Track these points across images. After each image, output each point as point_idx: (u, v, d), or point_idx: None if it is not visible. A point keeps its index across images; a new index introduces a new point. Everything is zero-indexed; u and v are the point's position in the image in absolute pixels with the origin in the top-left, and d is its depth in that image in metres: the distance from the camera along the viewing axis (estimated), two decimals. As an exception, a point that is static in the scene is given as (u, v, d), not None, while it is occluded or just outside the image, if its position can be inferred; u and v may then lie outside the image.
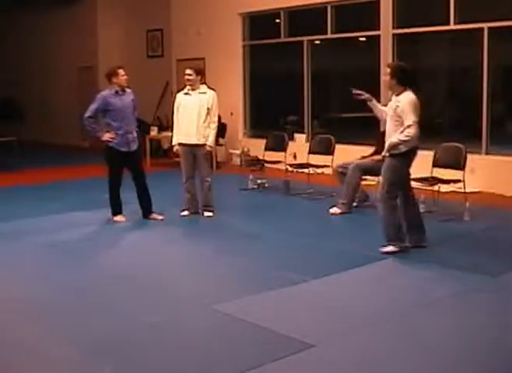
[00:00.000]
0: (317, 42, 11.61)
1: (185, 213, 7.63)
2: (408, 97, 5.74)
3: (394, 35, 10.12)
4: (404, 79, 5.82)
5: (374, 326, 4.23)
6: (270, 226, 7.17)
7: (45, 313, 4.59)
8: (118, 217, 7.36)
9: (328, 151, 8.79)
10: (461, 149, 7.48)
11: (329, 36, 11.15)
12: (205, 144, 7.42)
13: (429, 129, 9.89)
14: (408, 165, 6.00)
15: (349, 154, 8.56)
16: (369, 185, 8.17)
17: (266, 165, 9.64)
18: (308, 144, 9.69)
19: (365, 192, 8.00)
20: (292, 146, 9.99)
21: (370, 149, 8.32)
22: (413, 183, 7.73)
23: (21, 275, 5.52)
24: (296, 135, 11.53)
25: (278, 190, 9.17)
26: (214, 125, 7.48)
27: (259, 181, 9.45)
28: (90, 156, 11.65)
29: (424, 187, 7.82)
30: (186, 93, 7.51)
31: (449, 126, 10.30)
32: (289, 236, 6.66)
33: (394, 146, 5.80)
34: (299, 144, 10.94)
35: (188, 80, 7.40)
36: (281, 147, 9.47)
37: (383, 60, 10.22)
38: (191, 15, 13.23)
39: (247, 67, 12.74)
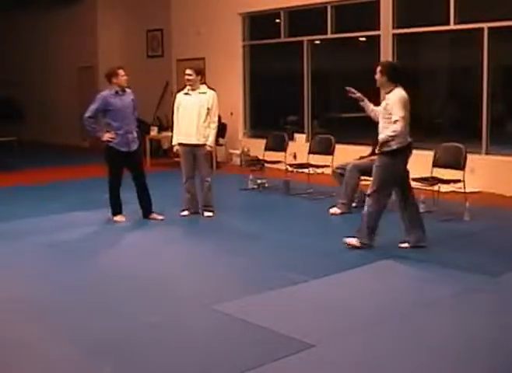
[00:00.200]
0: (317, 42, 11.61)
1: (185, 213, 7.63)
2: (397, 94, 5.82)
3: (394, 35, 10.12)
4: (394, 77, 5.89)
5: (374, 326, 4.23)
6: (270, 226, 7.17)
7: (45, 313, 4.59)
8: (118, 217, 7.36)
9: (328, 151, 8.79)
10: (461, 149, 7.48)
11: (329, 36, 11.15)
12: (205, 144, 7.42)
13: (429, 129, 9.95)
14: (402, 163, 6.00)
15: (349, 154, 8.56)
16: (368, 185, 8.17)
17: (266, 165, 9.64)
18: (308, 144, 9.69)
19: (364, 192, 7.99)
20: (292, 146, 9.99)
21: (370, 149, 8.33)
22: (413, 183, 7.74)
23: (21, 275, 5.52)
24: (296, 135, 11.53)
25: (278, 190, 9.17)
26: (214, 125, 7.48)
27: (259, 181, 9.45)
28: (90, 156, 11.66)
29: (424, 187, 7.82)
30: (186, 93, 7.51)
31: (449, 126, 10.30)
32: (289, 236, 6.66)
33: (383, 143, 5.84)
34: (299, 144, 10.94)
35: (188, 80, 7.40)
36: (281, 147, 9.47)
37: (383, 60, 10.21)
38: (191, 15, 13.23)
39: (247, 67, 12.74)
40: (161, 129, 12.74)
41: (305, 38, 11.54)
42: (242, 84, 12.75)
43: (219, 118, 8.19)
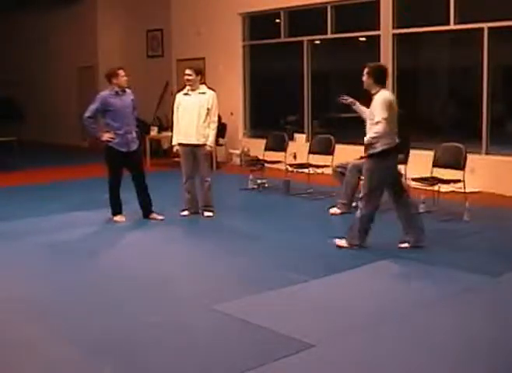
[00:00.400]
0: (317, 42, 11.61)
1: (185, 213, 7.63)
2: (381, 95, 5.83)
3: (394, 35, 10.12)
4: (380, 79, 5.92)
5: (374, 326, 4.23)
6: (270, 226, 7.17)
7: (45, 313, 4.59)
8: (118, 217, 7.36)
9: (328, 151, 8.79)
10: (461, 149, 7.48)
11: (329, 36, 11.15)
12: (205, 144, 7.43)
13: (429, 129, 9.95)
14: (391, 164, 6.01)
15: (349, 154, 8.55)
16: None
17: (266, 165, 9.63)
18: (308, 144, 9.69)
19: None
20: (292, 146, 9.99)
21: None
22: (413, 183, 7.77)
23: (21, 275, 5.52)
24: (296, 135, 11.53)
25: (278, 190, 9.17)
26: (214, 125, 7.48)
27: (259, 181, 9.45)
28: (90, 156, 11.65)
29: (424, 187, 7.83)
30: (185, 93, 7.51)
31: (449, 126, 10.30)
32: (289, 236, 6.66)
33: (367, 145, 5.88)
34: (299, 144, 10.94)
35: (188, 80, 7.40)
36: (281, 147, 9.47)
37: (383, 60, 10.20)
38: (191, 15, 13.23)
39: (247, 67, 12.74)
40: (161, 129, 12.74)
41: (305, 38, 11.54)
42: (242, 84, 12.75)
43: (219, 118, 8.19)
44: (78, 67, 16.14)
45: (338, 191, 7.90)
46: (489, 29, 8.93)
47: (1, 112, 16.98)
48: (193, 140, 7.42)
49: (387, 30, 10.15)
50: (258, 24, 12.63)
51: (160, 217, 7.42)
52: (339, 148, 8.87)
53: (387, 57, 10.17)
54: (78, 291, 5.01)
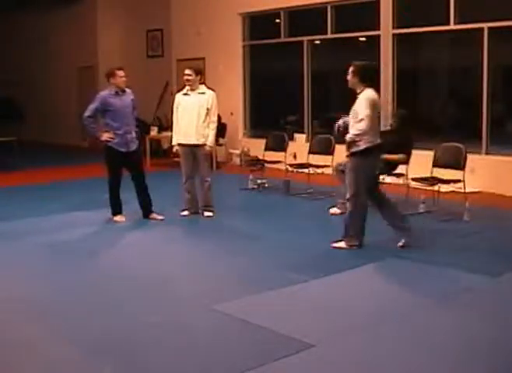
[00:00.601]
0: (317, 42, 11.61)
1: (185, 213, 7.63)
2: (365, 94, 5.86)
3: (394, 35, 10.12)
4: (365, 77, 5.93)
5: (374, 326, 4.23)
6: (270, 226, 7.17)
7: (45, 313, 4.59)
8: (118, 217, 7.36)
9: (328, 151, 8.79)
10: (461, 149, 7.48)
11: (329, 36, 11.16)
12: (204, 144, 7.43)
13: (429, 129, 9.94)
14: (373, 163, 6.03)
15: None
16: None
17: (266, 165, 9.63)
18: (308, 144, 9.69)
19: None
20: (292, 146, 9.99)
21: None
22: (413, 183, 7.78)
23: (21, 275, 5.52)
24: (296, 135, 11.53)
25: (278, 190, 9.17)
26: (213, 125, 7.48)
27: (259, 181, 9.45)
28: (90, 156, 11.65)
29: (424, 187, 7.83)
30: (185, 94, 7.51)
31: (449, 126, 10.30)
32: (289, 236, 6.66)
33: (350, 143, 5.90)
34: (299, 144, 10.94)
35: (188, 80, 7.40)
36: (281, 147, 9.47)
37: (383, 60, 10.22)
38: (191, 15, 13.24)
39: (247, 67, 12.74)
40: (161, 129, 12.74)
41: (305, 38, 11.54)
42: (242, 84, 12.75)
43: (219, 118, 8.19)
44: (78, 67, 16.14)
45: (339, 191, 7.89)
46: (489, 29, 8.93)
47: (1, 112, 16.99)
48: (193, 140, 7.42)
49: (387, 30, 10.15)
50: (258, 24, 12.63)
51: (160, 217, 7.42)
52: (339, 148, 8.85)
53: (387, 57, 10.17)
54: (78, 291, 5.01)
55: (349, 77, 5.98)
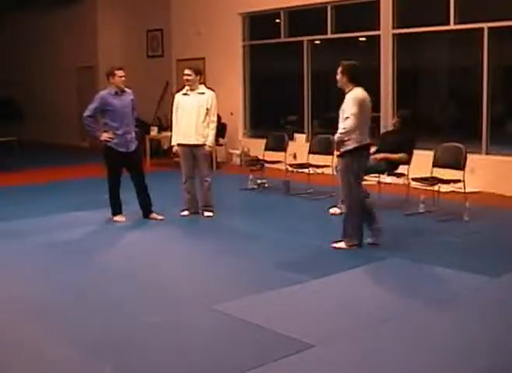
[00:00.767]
0: (317, 42, 11.61)
1: (185, 213, 7.63)
2: (353, 93, 5.88)
3: (394, 35, 10.12)
4: (354, 77, 5.95)
5: (374, 326, 4.23)
6: (270, 226, 7.17)
7: (45, 313, 4.59)
8: (118, 217, 7.36)
9: (328, 151, 8.77)
10: (461, 149, 7.49)
11: (329, 36, 11.16)
12: (204, 144, 7.43)
13: (429, 129, 9.94)
14: (362, 162, 6.04)
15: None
16: (370, 185, 8.19)
17: (266, 165, 9.63)
18: (308, 144, 9.69)
19: (366, 190, 8.00)
20: (292, 146, 9.99)
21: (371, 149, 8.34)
22: (413, 183, 7.79)
23: (21, 275, 5.52)
24: (296, 135, 11.53)
25: (278, 190, 9.17)
26: (213, 125, 7.48)
27: (259, 181, 9.45)
28: (90, 156, 11.65)
29: (424, 187, 7.83)
30: (185, 94, 7.51)
31: (449, 126, 10.30)
32: (289, 236, 6.66)
33: (339, 143, 5.92)
34: (299, 144, 10.94)
35: (187, 80, 7.40)
36: (281, 147, 9.47)
37: (383, 60, 10.22)
38: (191, 15, 13.24)
39: (247, 67, 12.74)
40: (161, 129, 12.74)
41: (305, 38, 11.54)
42: (242, 84, 12.75)
43: (219, 118, 8.18)
44: (78, 67, 16.14)
45: (339, 191, 7.88)
46: (489, 29, 8.93)
47: (1, 112, 16.99)
48: (192, 140, 7.42)
49: (387, 30, 10.15)
50: (258, 24, 12.63)
51: (160, 217, 7.42)
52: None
53: (387, 57, 10.17)
54: (78, 291, 5.01)
55: (338, 77, 6.01)
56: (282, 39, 12.00)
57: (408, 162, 7.75)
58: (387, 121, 10.14)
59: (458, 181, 7.38)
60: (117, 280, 5.30)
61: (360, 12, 10.89)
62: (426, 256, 5.82)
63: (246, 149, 11.79)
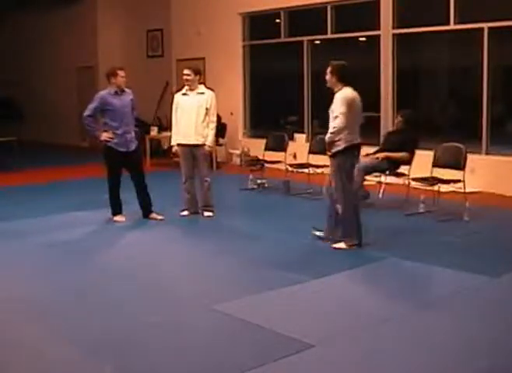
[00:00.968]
0: (317, 42, 11.61)
1: (185, 213, 7.63)
2: (342, 93, 5.93)
3: (394, 35, 10.12)
4: (343, 77, 6.00)
5: (374, 326, 4.23)
6: (270, 226, 7.17)
7: (45, 313, 4.59)
8: (118, 217, 7.36)
9: (328, 151, 8.77)
10: (461, 149, 7.49)
11: (329, 36, 11.15)
12: (204, 144, 7.43)
13: (429, 129, 9.94)
14: (353, 161, 6.07)
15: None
16: (370, 185, 8.20)
17: (266, 165, 9.63)
18: (308, 144, 9.69)
19: (366, 190, 8.02)
20: (292, 146, 9.99)
21: (371, 148, 8.35)
22: (413, 183, 7.79)
23: (21, 275, 5.52)
24: (296, 135, 11.53)
25: (278, 190, 9.17)
26: (213, 125, 7.48)
27: (259, 181, 9.45)
28: (90, 156, 11.65)
29: (424, 187, 7.83)
30: (184, 94, 7.51)
31: (449, 126, 10.30)
32: (289, 236, 6.65)
33: (330, 143, 5.95)
34: (299, 144, 10.94)
35: (187, 80, 7.40)
36: (281, 147, 9.46)
37: (383, 60, 10.22)
38: (191, 15, 13.23)
39: (247, 67, 12.74)
40: (161, 129, 12.74)
41: (305, 38, 11.54)
42: (242, 84, 12.75)
43: (219, 118, 8.18)
44: (78, 67, 16.14)
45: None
46: (489, 29, 8.93)
47: (1, 112, 16.99)
48: (192, 140, 7.42)
49: (387, 30, 10.15)
50: (258, 24, 12.63)
51: (160, 217, 7.41)
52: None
53: (387, 57, 10.17)
54: (78, 291, 5.01)
55: (327, 77, 6.08)
56: (282, 39, 12.00)
57: (409, 162, 7.75)
58: (387, 121, 10.15)
59: (458, 181, 7.38)
60: (117, 280, 5.30)
61: (360, 12, 10.89)
62: (426, 256, 5.82)
63: (246, 149, 11.79)
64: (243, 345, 4.02)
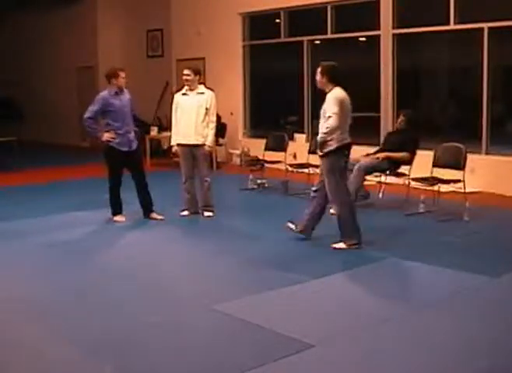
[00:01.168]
0: (317, 42, 11.61)
1: (185, 213, 7.63)
2: (334, 93, 5.94)
3: (394, 35, 10.12)
4: (333, 77, 6.02)
5: (374, 326, 4.23)
6: (270, 226, 7.16)
7: (45, 313, 4.59)
8: (118, 217, 7.36)
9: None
10: (461, 149, 7.49)
11: (329, 36, 11.15)
12: (203, 144, 7.43)
13: (429, 129, 9.95)
14: (345, 160, 6.08)
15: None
16: (370, 185, 8.20)
17: (266, 165, 9.63)
18: (308, 144, 9.68)
19: (366, 190, 8.02)
20: (292, 146, 9.99)
21: (371, 149, 8.37)
22: (413, 183, 7.79)
23: (21, 275, 5.52)
24: (296, 135, 11.53)
25: (278, 190, 9.17)
26: (212, 125, 7.48)
27: (259, 181, 9.45)
28: (90, 156, 11.66)
29: (424, 187, 7.83)
30: (184, 94, 7.51)
31: (449, 126, 10.30)
32: (289, 236, 6.64)
33: (322, 143, 5.96)
34: (299, 144, 10.94)
35: (187, 80, 7.41)
36: (281, 147, 9.46)
37: (383, 60, 10.22)
38: (191, 15, 13.23)
39: (247, 67, 12.74)
40: (161, 129, 12.74)
41: (305, 38, 11.54)
42: (242, 84, 12.75)
43: (219, 118, 8.18)
44: (78, 67, 16.14)
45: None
46: (489, 29, 8.93)
47: (1, 112, 16.99)
48: (192, 140, 7.42)
49: (387, 30, 10.15)
50: (258, 24, 12.63)
51: (160, 217, 7.42)
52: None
53: (387, 57, 10.17)
54: (78, 291, 5.01)
55: (318, 77, 6.10)
56: (282, 39, 12.00)
57: (410, 162, 7.76)
58: (387, 121, 10.15)
59: (458, 181, 7.38)
60: (117, 280, 5.30)
61: (360, 12, 10.89)
62: (426, 256, 5.82)
63: (246, 149, 11.79)
64: (243, 345, 4.02)
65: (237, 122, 12.72)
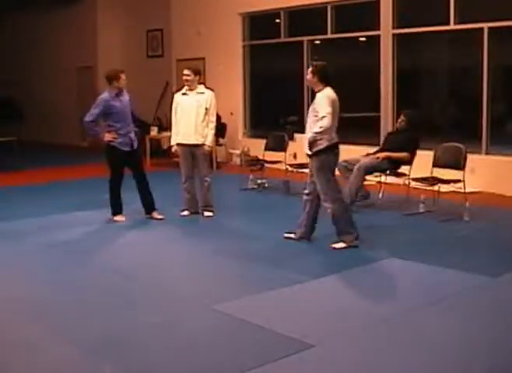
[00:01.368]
0: (317, 42, 11.61)
1: (185, 213, 7.63)
2: (324, 93, 5.97)
3: (394, 35, 10.12)
4: (324, 77, 6.04)
5: (374, 326, 4.23)
6: (270, 226, 7.17)
7: (45, 313, 4.59)
8: (118, 217, 7.36)
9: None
10: (461, 149, 7.49)
11: (329, 36, 11.15)
12: (203, 144, 7.43)
13: (429, 129, 9.95)
14: (335, 160, 6.12)
15: (349, 154, 8.54)
16: (370, 185, 8.19)
17: (266, 165, 9.63)
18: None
19: (366, 190, 8.02)
20: (292, 146, 9.99)
21: (371, 148, 8.36)
22: (413, 183, 7.78)
23: (21, 275, 5.52)
24: (296, 135, 11.51)
25: (278, 190, 9.17)
26: (212, 125, 7.48)
27: (259, 181, 9.45)
28: (90, 156, 11.66)
29: (424, 187, 7.83)
30: (184, 93, 7.51)
31: (449, 126, 10.30)
32: (289, 236, 6.65)
33: (312, 142, 5.96)
34: (299, 144, 10.90)
35: (187, 80, 7.41)
36: (281, 147, 9.46)
37: (383, 60, 10.22)
38: (191, 15, 13.23)
39: (247, 67, 12.74)
40: (161, 129, 12.73)
41: (305, 38, 11.54)
42: (242, 84, 12.75)
43: (219, 118, 8.17)
44: (78, 67, 16.14)
45: (343, 190, 7.87)
46: (489, 29, 8.93)
47: (1, 112, 16.98)
48: (192, 140, 7.42)
49: (387, 30, 10.15)
50: (258, 24, 12.63)
51: (160, 217, 7.42)
52: (342, 148, 8.83)
53: (387, 57, 10.17)
54: (78, 291, 5.01)
55: (309, 77, 6.12)
56: (282, 39, 12.00)
57: (410, 162, 7.76)
58: (387, 121, 10.15)
59: (458, 181, 7.38)
60: (117, 279, 5.30)
61: (360, 12, 10.89)
62: (426, 256, 5.82)
63: (246, 149, 11.78)
64: (243, 345, 4.02)
65: (237, 122, 12.72)
